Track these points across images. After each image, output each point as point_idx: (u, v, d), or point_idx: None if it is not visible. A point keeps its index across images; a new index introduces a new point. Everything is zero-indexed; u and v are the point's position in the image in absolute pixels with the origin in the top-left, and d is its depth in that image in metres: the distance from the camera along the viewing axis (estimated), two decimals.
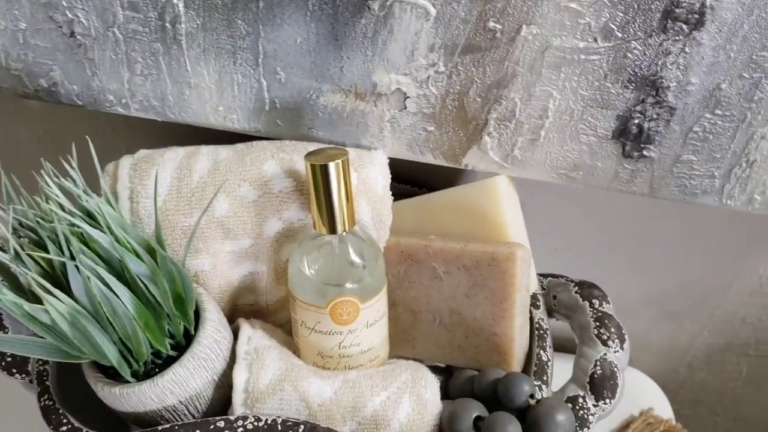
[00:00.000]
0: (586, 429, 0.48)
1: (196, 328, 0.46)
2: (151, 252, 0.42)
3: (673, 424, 0.66)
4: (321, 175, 0.45)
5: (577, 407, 0.48)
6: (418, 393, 0.47)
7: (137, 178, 0.49)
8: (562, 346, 0.60)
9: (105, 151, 0.51)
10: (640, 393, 0.71)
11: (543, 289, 0.56)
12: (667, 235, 0.65)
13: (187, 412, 0.46)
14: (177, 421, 0.45)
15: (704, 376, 0.78)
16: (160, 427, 0.43)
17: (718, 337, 0.73)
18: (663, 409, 0.70)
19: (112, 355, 0.42)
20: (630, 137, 0.49)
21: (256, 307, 0.54)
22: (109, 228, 0.41)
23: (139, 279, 0.41)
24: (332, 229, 0.47)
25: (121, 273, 0.41)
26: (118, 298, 0.40)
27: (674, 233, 0.65)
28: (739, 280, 0.67)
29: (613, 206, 0.63)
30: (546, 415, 0.45)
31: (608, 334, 0.50)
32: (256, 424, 0.43)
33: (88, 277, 0.38)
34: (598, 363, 0.49)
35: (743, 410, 0.81)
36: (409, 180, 0.60)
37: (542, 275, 0.57)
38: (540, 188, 0.63)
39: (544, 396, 0.48)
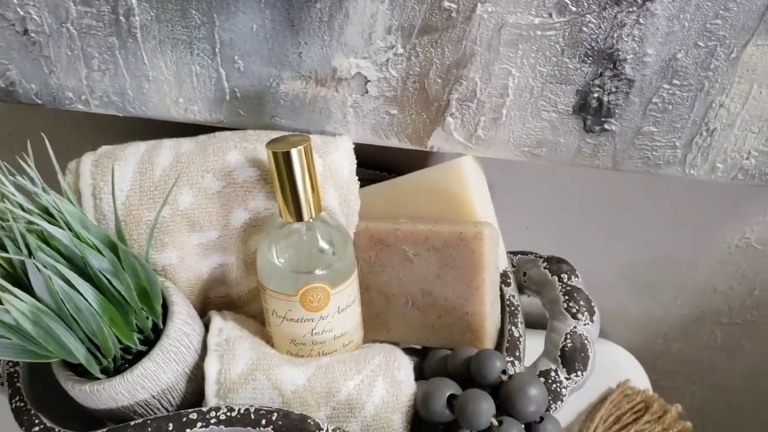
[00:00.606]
0: (559, 402, 0.48)
1: (164, 322, 0.46)
2: (113, 247, 0.42)
3: (649, 395, 0.66)
4: (284, 162, 0.45)
5: (550, 381, 0.48)
6: (392, 375, 0.48)
7: (99, 175, 0.48)
8: (539, 323, 0.60)
9: (70, 150, 0.51)
10: (618, 366, 0.71)
11: (513, 266, 0.56)
12: (636, 208, 0.65)
13: (160, 406, 0.45)
14: (150, 415, 0.45)
15: (680, 347, 0.78)
16: (132, 422, 0.43)
17: (692, 307, 0.74)
18: (640, 380, 0.70)
19: (79, 353, 0.42)
20: (590, 111, 0.49)
21: (228, 299, 0.54)
22: (68, 224, 0.41)
23: (102, 274, 0.41)
24: (299, 217, 0.47)
25: (83, 269, 0.41)
26: (81, 294, 0.39)
27: (643, 206, 0.65)
28: (708, 250, 0.68)
29: (581, 182, 0.64)
30: (518, 390, 0.45)
31: (578, 307, 0.50)
32: (229, 414, 0.43)
33: (49, 275, 0.38)
34: (569, 336, 0.49)
35: (719, 378, 0.82)
36: (378, 165, 0.60)
37: (512, 253, 0.57)
38: (508, 168, 0.63)
39: (517, 371, 0.48)
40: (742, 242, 0.66)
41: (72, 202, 0.43)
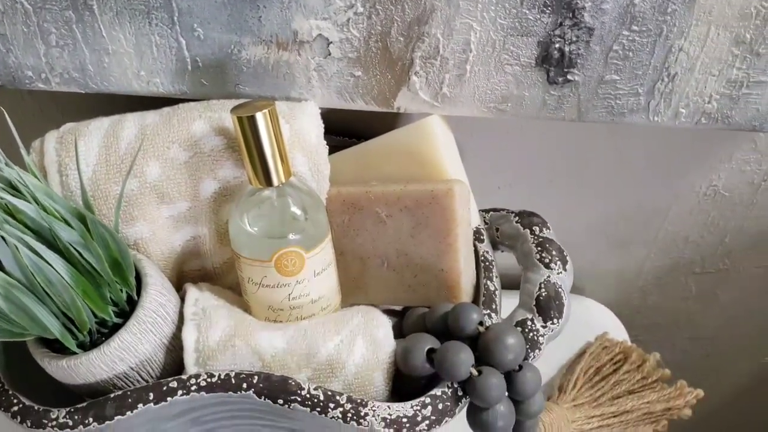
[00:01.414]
0: (537, 350, 0.49)
1: (139, 295, 0.45)
2: (81, 219, 0.42)
3: (628, 345, 0.68)
4: (249, 127, 0.45)
5: (527, 330, 0.49)
6: (371, 334, 0.48)
7: (64, 151, 0.48)
8: (515, 284, 0.61)
9: (35, 133, 0.50)
10: (595, 320, 0.73)
11: (486, 223, 0.57)
12: (604, 162, 0.66)
13: (139, 378, 0.45)
14: (130, 387, 0.45)
15: (657, 299, 0.80)
16: (112, 394, 0.43)
17: (665, 259, 0.75)
18: (618, 333, 0.72)
19: (53, 327, 0.41)
20: (553, 63, 0.50)
21: (204, 272, 0.53)
22: (34, 197, 0.40)
23: (72, 247, 0.41)
24: (268, 182, 0.46)
25: (52, 243, 0.41)
26: (51, 266, 0.39)
27: (610, 161, 0.66)
28: (678, 200, 0.69)
29: (548, 140, 0.64)
30: (496, 340, 0.46)
31: (550, 257, 0.51)
32: (209, 380, 0.43)
33: (16, 247, 0.38)
34: (543, 285, 0.50)
35: (696, 329, 0.83)
36: (346, 132, 0.60)
37: (484, 210, 0.58)
38: (476, 129, 0.63)
39: (494, 323, 0.49)
40: (710, 190, 0.67)
41: (37, 177, 0.43)
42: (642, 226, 0.71)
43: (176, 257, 0.52)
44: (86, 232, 0.41)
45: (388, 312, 0.55)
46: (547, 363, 0.67)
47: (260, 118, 0.44)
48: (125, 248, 0.43)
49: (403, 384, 0.48)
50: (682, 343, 0.85)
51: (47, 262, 0.39)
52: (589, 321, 0.72)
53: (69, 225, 0.41)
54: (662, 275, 0.77)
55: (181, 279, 0.53)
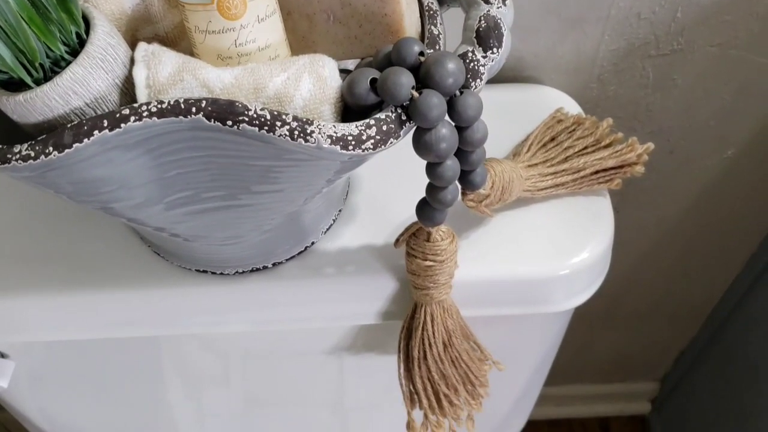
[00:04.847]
0: (478, 80, 0.51)
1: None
2: None
3: (582, 116, 0.69)
4: None
5: (467, 61, 0.50)
6: (317, 72, 0.50)
7: None
8: None
9: None
10: (553, 104, 0.74)
11: None
12: None
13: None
14: None
15: (616, 89, 0.81)
16: (69, 124, 0.45)
17: (620, 41, 0.75)
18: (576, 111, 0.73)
19: (5, 54, 0.43)
20: None
21: (157, 39, 0.55)
22: None
23: None
24: None
25: None
26: None
27: None
28: None
29: None
30: (435, 63, 0.48)
31: None
32: (159, 106, 0.45)
33: None
34: (482, 18, 0.51)
35: (657, 121, 0.85)
36: None
37: None
38: None
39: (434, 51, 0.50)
40: None
41: None
42: (593, 1, 0.71)
43: (128, 20, 0.53)
44: None
45: (342, 72, 0.56)
46: (502, 141, 0.69)
47: None
48: None
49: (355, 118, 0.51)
50: (645, 139, 0.86)
51: None
52: (546, 104, 0.74)
53: None
54: (618, 60, 0.78)
55: (134, 46, 0.54)
